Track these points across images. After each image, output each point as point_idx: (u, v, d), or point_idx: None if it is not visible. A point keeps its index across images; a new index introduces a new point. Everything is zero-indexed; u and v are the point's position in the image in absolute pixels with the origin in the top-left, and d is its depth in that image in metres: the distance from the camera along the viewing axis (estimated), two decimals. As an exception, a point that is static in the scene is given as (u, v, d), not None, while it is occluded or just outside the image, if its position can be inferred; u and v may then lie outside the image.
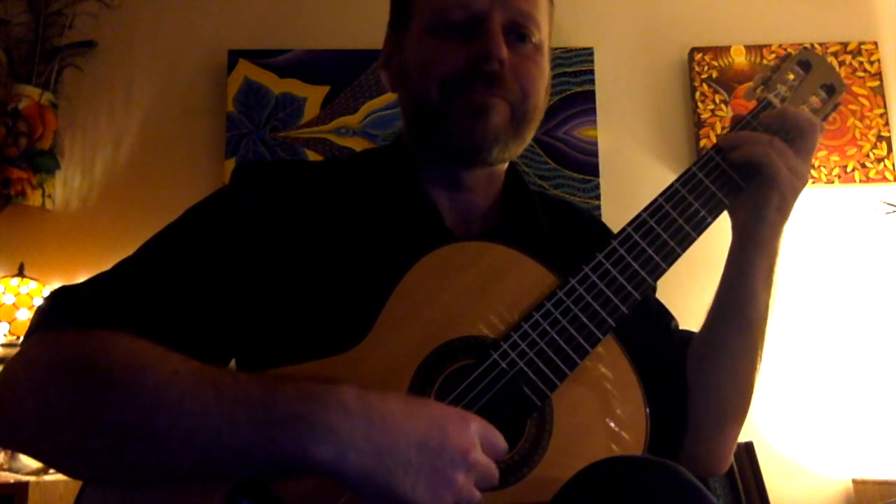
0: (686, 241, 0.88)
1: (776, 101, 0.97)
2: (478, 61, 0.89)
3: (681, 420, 0.95)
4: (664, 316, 1.05)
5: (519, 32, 0.93)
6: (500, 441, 0.73)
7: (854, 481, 2.29)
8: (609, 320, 0.84)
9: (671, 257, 0.87)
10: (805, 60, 1.01)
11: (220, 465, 0.67)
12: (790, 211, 0.92)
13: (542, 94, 0.97)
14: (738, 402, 0.97)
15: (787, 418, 2.34)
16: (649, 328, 0.99)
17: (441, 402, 0.75)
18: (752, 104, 0.99)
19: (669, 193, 0.90)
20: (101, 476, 0.73)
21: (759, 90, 0.99)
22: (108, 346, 0.72)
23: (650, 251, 0.87)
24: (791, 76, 1.00)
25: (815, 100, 1.00)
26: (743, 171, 0.91)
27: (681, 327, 1.06)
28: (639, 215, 0.89)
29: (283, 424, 0.65)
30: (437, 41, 0.92)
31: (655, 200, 0.90)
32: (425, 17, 0.94)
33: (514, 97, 0.92)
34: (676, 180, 0.91)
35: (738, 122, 0.97)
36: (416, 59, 0.95)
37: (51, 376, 0.72)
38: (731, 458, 1.00)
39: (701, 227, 0.89)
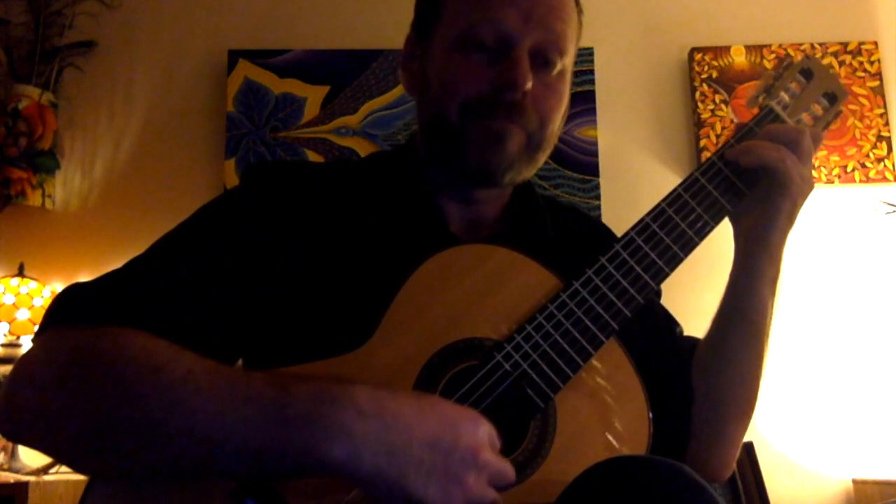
0: (689, 246, 0.89)
1: (778, 109, 0.98)
2: (501, 89, 0.89)
3: (685, 425, 0.95)
4: (669, 322, 1.05)
5: (545, 58, 0.92)
6: (497, 442, 0.73)
7: (854, 481, 2.30)
8: (612, 323, 0.84)
9: (674, 261, 0.88)
10: (807, 69, 1.01)
11: (233, 464, 0.67)
12: (797, 217, 0.93)
13: (558, 122, 0.96)
14: (742, 407, 0.97)
15: (787, 418, 2.34)
16: (654, 334, 0.99)
17: (452, 401, 0.76)
18: (754, 111, 0.99)
19: (672, 199, 0.91)
20: (113, 472, 0.73)
21: (761, 98, 1.00)
22: (122, 344, 0.73)
23: (653, 255, 0.87)
24: (793, 84, 1.01)
25: (816, 108, 1.01)
26: (746, 177, 0.92)
27: (684, 330, 1.06)
28: (641, 220, 0.89)
29: (296, 425, 0.66)
30: (463, 59, 0.91)
31: (658, 206, 0.90)
32: (453, 29, 0.93)
33: (531, 126, 0.91)
34: (679, 186, 0.92)
35: (740, 130, 0.97)
36: (439, 72, 0.94)
37: (66, 373, 0.73)
38: (734, 465, 1.00)
39: (703, 231, 0.90)
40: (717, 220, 0.91)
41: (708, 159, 0.94)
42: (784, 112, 0.98)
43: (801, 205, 0.92)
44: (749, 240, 0.94)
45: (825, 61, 2.55)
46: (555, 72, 0.93)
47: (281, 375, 0.71)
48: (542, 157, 0.96)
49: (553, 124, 0.94)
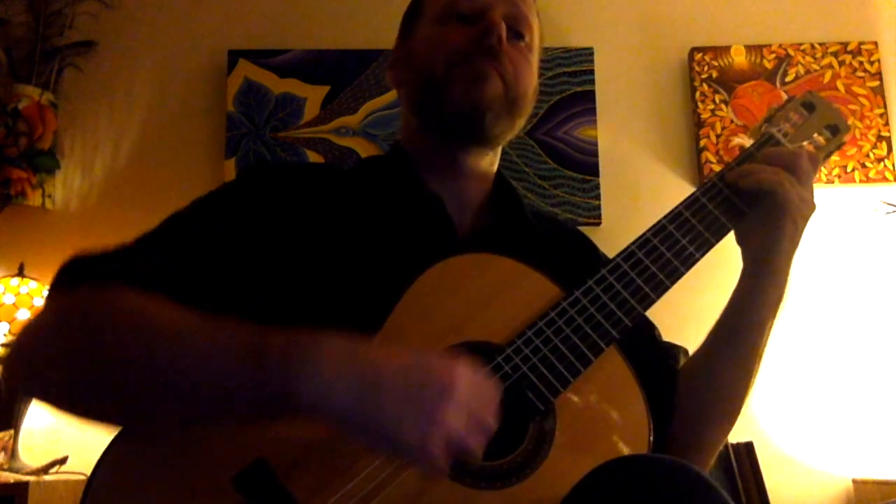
0: (689, 262, 0.91)
1: (778, 136, 1.01)
2: (480, 35, 0.97)
3: (664, 428, 0.95)
4: (648, 326, 1.07)
5: (515, 30, 1.02)
6: (489, 390, 0.72)
7: (854, 481, 2.30)
8: (612, 332, 0.86)
9: (674, 275, 0.90)
10: (808, 102, 1.05)
11: (216, 405, 0.71)
12: (801, 239, 0.94)
13: (530, 89, 1.03)
14: (724, 419, 0.99)
15: (787, 417, 2.34)
16: (634, 337, 1.00)
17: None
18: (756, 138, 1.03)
19: (672, 216, 0.93)
20: (115, 416, 0.77)
21: (763, 127, 1.03)
22: (118, 297, 0.78)
23: (654, 268, 0.89)
24: (794, 115, 1.04)
25: (819, 138, 1.04)
26: (747, 198, 0.94)
27: (679, 331, 1.08)
28: (642, 235, 0.91)
29: (272, 366, 0.68)
30: (445, 29, 1.00)
31: (659, 223, 0.93)
32: (434, 12, 1.04)
33: (508, 77, 0.98)
34: (679, 204, 0.94)
35: (741, 154, 0.99)
36: (424, 43, 1.03)
37: (67, 326, 0.79)
38: (709, 468, 1.01)
39: (703, 248, 0.92)
40: (718, 238, 0.93)
41: (708, 181, 0.96)
42: (784, 139, 1.01)
43: (804, 226, 0.94)
44: (755, 262, 0.95)
45: (825, 61, 2.55)
46: (523, 43, 1.03)
47: (262, 326, 0.73)
48: (520, 121, 1.03)
49: (526, 86, 1.01)
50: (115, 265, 0.85)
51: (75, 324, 0.78)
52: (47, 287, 2.25)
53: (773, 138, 1.00)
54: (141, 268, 0.84)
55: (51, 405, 0.79)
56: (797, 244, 0.94)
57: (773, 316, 0.95)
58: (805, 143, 1.02)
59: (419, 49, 1.03)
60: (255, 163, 1.06)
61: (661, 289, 0.89)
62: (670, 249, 0.90)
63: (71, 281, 0.84)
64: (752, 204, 0.94)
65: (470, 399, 0.69)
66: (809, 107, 1.04)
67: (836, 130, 1.04)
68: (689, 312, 1.08)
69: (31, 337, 0.83)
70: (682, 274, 0.90)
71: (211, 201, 0.96)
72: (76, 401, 0.78)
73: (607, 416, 0.85)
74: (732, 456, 2.10)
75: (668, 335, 1.10)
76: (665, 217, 0.93)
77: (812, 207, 0.94)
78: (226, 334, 0.72)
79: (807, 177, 0.94)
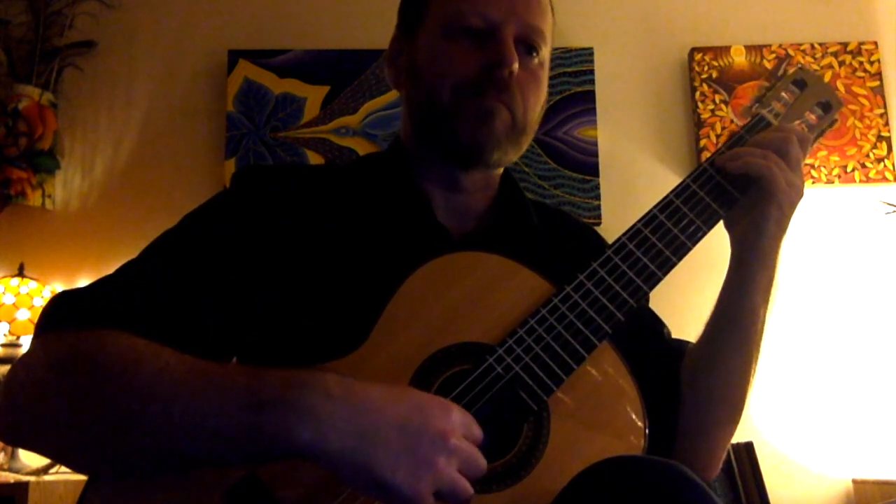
0: (681, 251, 0.89)
1: (770, 117, 0.99)
2: (491, 67, 0.92)
3: (671, 426, 0.95)
4: (655, 323, 1.06)
5: (527, 45, 0.96)
6: (477, 431, 0.73)
7: (854, 481, 2.30)
8: (605, 326, 0.84)
9: (666, 266, 0.88)
10: (800, 80, 1.03)
11: (211, 451, 0.69)
12: (788, 224, 0.93)
13: (538, 110, 1.00)
14: (729, 411, 0.97)
15: (787, 418, 2.34)
16: (641, 334, 0.99)
17: (423, 390, 0.76)
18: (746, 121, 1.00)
19: (664, 205, 0.91)
20: (104, 467, 0.75)
21: (753, 107, 1.01)
22: (104, 343, 0.75)
23: (645, 260, 0.88)
24: (785, 94, 1.02)
25: (811, 116, 1.02)
26: (738, 183, 0.92)
27: (681, 330, 1.06)
28: (633, 226, 0.90)
29: (267, 409, 0.67)
30: (452, 46, 0.95)
31: (650, 211, 0.91)
32: (441, 21, 0.97)
33: (516, 107, 0.95)
34: (671, 192, 0.92)
35: (731, 137, 0.98)
36: (430, 61, 0.97)
37: (51, 375, 0.75)
38: (720, 466, 1.01)
39: (696, 237, 0.90)
40: (710, 226, 0.91)
41: (699, 166, 0.95)
42: (776, 120, 0.99)
43: (790, 212, 0.92)
44: (741, 246, 0.94)
45: (825, 61, 2.55)
46: (536, 60, 0.98)
47: (254, 366, 0.73)
48: (525, 143, 1.00)
49: (534, 111, 0.98)
50: (101, 305, 0.82)
51: (60, 375, 0.75)
52: (45, 287, 2.26)
53: (764, 119, 0.98)
54: (128, 307, 0.82)
55: (46, 457, 0.78)
56: (784, 229, 0.93)
57: (766, 301, 0.94)
58: (797, 122, 1.00)
59: (424, 64, 0.98)
60: (245, 168, 1.02)
61: (652, 280, 0.87)
62: (662, 239, 0.89)
63: (54, 325, 0.80)
64: (742, 189, 0.92)
65: (463, 445, 0.70)
66: (801, 84, 1.02)
67: (827, 107, 1.02)
68: (688, 312, 1.07)
69: (15, 390, 0.78)
70: (675, 264, 0.88)
71: (201, 217, 0.94)
72: (69, 455, 0.76)
73: (601, 413, 0.84)
74: (732, 456, 2.09)
75: (672, 333, 1.09)
76: (656, 206, 0.91)
77: (800, 193, 0.92)
78: (219, 383, 0.70)
79: (797, 161, 0.93)
